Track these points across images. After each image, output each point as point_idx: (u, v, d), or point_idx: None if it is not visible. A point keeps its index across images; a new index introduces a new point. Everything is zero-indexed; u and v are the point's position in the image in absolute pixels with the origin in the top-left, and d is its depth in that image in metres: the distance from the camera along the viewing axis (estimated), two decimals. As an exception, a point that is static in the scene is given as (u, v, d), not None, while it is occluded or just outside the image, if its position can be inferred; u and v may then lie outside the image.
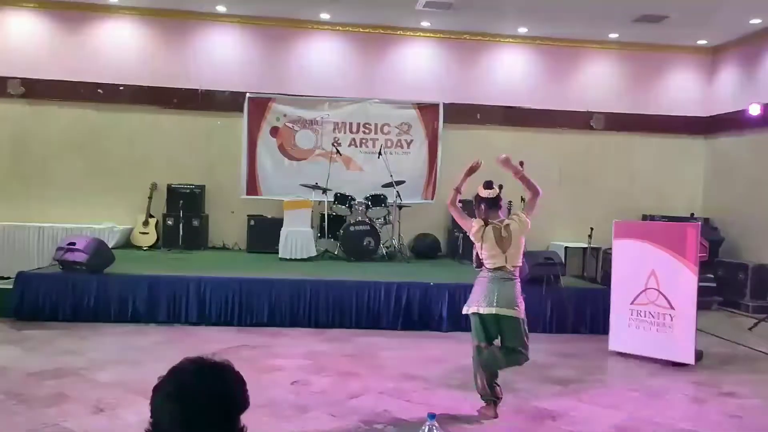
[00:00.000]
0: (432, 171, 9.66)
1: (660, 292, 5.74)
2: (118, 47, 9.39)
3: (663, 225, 7.10)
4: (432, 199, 9.60)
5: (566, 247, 9.45)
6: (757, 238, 8.95)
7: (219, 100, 9.48)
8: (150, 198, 9.14)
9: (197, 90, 9.41)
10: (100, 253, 6.70)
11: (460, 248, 9.05)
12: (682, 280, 5.63)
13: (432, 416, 2.10)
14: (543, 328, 6.73)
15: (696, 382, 5.24)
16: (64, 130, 9.27)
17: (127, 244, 9.03)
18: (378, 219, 8.85)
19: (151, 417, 1.56)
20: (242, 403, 1.59)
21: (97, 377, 4.72)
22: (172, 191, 9.15)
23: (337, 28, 9.75)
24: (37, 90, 9.12)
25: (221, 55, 9.62)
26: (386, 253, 8.88)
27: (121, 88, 9.29)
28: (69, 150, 9.27)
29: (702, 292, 7.84)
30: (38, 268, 7.25)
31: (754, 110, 8.35)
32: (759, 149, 9.08)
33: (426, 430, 2.07)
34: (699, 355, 5.77)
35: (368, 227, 8.55)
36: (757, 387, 5.14)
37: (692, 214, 9.33)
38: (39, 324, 6.22)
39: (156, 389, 1.58)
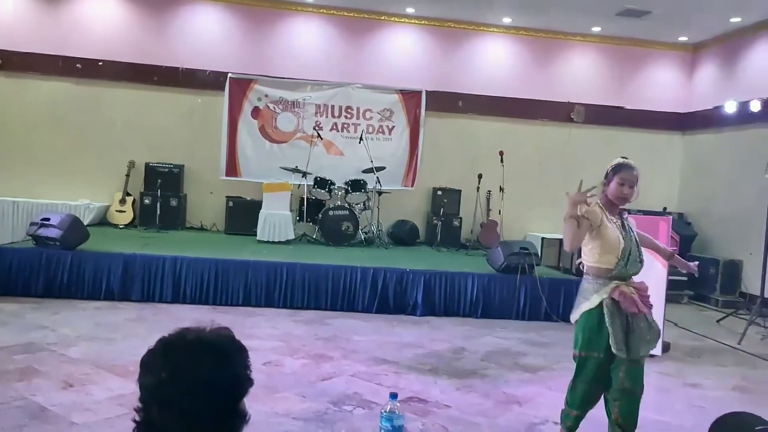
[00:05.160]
0: (413, 158, 9.68)
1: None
2: (99, 22, 9.25)
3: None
4: (412, 186, 9.63)
5: (543, 238, 9.54)
6: (729, 235, 9.12)
7: (200, 79, 9.39)
8: (127, 176, 9.04)
9: (178, 68, 9.31)
10: (74, 230, 6.63)
11: (438, 236, 9.12)
12: (652, 273, 5.68)
13: (394, 396, 2.13)
14: (516, 316, 6.91)
15: (662, 372, 5.35)
16: (41, 105, 9.13)
17: (103, 221, 8.94)
18: (357, 204, 8.86)
19: (140, 399, 1.35)
20: (247, 385, 1.39)
21: (67, 353, 4.70)
22: (150, 170, 9.07)
23: (322, 11, 9.69)
24: (14, 62, 8.96)
25: (204, 34, 9.52)
26: (364, 238, 8.91)
27: (101, 63, 9.16)
28: (46, 125, 9.13)
29: (673, 285, 8.04)
30: (11, 243, 7.16)
31: (730, 107, 8.46)
32: (734, 147, 9.23)
33: (388, 409, 2.10)
34: (666, 347, 5.89)
35: (347, 212, 8.57)
36: (720, 379, 5.26)
37: (665, 208, 9.47)
38: (11, 298, 6.16)
39: (144, 366, 1.36)
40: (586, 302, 3.29)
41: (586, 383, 3.31)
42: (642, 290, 3.29)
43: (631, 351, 3.18)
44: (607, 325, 3.18)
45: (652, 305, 3.34)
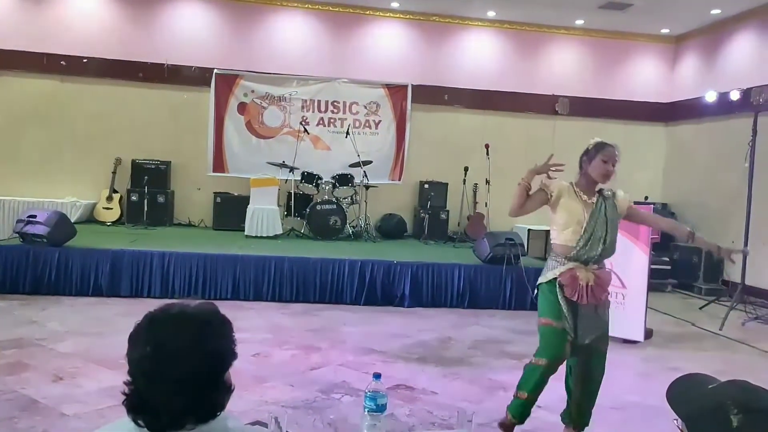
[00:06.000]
0: (399, 152, 9.72)
1: (613, 272, 5.92)
2: (83, 19, 9.21)
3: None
4: (399, 180, 9.68)
5: (529, 230, 9.64)
6: (712, 224, 9.22)
7: (186, 75, 9.37)
8: (114, 173, 9.03)
9: (163, 64, 9.30)
10: (61, 226, 6.64)
11: (425, 229, 9.19)
12: (635, 260, 5.82)
13: (377, 376, 2.19)
14: (502, 305, 7.00)
15: (644, 358, 5.46)
16: (26, 102, 9.08)
17: (90, 219, 8.92)
18: (345, 198, 8.90)
19: (128, 372, 1.38)
20: (231, 357, 1.41)
21: (57, 347, 4.74)
22: (137, 166, 9.07)
23: (307, 6, 9.70)
24: (-2, 60, 8.94)
25: (189, 30, 9.51)
26: (352, 232, 8.96)
27: (85, 60, 9.13)
28: (31, 122, 9.10)
29: (657, 274, 8.16)
30: (-2, 241, 7.17)
31: (710, 97, 8.57)
32: (715, 137, 9.37)
33: (371, 388, 2.16)
34: (649, 333, 6.00)
35: (335, 206, 8.61)
36: (700, 363, 5.36)
37: (646, 197, 9.60)
38: (-1, 296, 6.19)
39: (131, 340, 1.40)
40: (542, 277, 3.39)
41: (544, 351, 3.26)
42: (603, 279, 3.30)
43: (578, 336, 3.24)
44: (560, 300, 3.25)
45: (604, 299, 3.33)
